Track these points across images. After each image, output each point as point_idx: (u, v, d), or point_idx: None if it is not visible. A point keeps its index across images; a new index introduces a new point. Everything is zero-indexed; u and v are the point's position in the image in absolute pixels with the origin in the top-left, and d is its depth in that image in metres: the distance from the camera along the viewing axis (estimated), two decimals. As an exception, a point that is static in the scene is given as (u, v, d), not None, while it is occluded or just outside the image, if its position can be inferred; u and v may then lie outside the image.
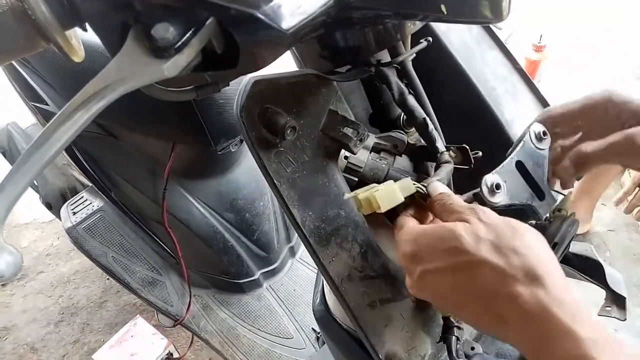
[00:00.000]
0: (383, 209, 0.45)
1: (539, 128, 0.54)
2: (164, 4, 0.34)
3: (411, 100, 0.54)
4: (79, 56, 0.39)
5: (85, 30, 0.38)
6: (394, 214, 0.61)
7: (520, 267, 0.36)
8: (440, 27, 0.63)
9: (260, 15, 0.34)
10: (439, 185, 0.48)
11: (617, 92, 0.51)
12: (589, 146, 0.51)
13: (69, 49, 0.37)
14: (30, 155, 0.33)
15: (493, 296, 0.37)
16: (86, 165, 1.32)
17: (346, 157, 0.56)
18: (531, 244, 0.38)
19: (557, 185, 0.57)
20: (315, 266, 0.51)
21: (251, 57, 0.37)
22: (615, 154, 0.49)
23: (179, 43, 0.34)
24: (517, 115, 0.67)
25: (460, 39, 0.65)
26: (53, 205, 1.76)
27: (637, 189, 1.32)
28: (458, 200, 0.44)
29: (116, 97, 0.34)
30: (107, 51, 0.38)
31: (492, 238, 0.38)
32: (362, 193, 0.46)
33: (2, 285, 2.14)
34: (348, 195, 0.48)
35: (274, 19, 0.34)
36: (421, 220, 0.48)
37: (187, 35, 0.34)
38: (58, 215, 1.70)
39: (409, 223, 0.45)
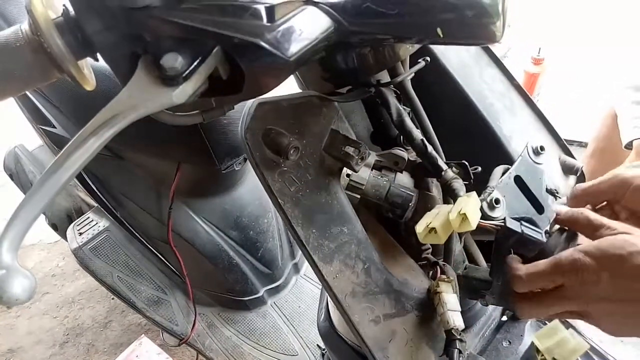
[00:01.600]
0: (473, 225, 0.46)
1: (536, 143, 0.55)
2: (173, 34, 0.36)
3: (409, 122, 0.56)
4: (90, 85, 0.41)
5: (96, 60, 0.40)
6: (395, 228, 0.63)
7: None
8: (438, 47, 0.65)
9: (263, 44, 0.35)
10: (563, 208, 0.51)
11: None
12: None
13: (81, 78, 0.39)
14: (45, 181, 0.34)
15: None
16: (92, 185, 1.34)
17: (348, 175, 0.57)
18: None
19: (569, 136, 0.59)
20: (320, 282, 0.52)
21: (256, 82, 0.39)
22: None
23: (187, 71, 0.35)
24: (516, 130, 0.69)
25: (457, 57, 0.67)
26: (59, 226, 1.77)
27: None
28: (602, 218, 0.46)
29: (127, 124, 0.35)
30: (118, 79, 0.40)
31: None
32: (436, 220, 0.48)
33: (8, 307, 2.14)
34: (421, 228, 0.49)
35: (277, 46, 0.36)
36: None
37: (195, 63, 0.36)
38: (64, 236, 1.71)
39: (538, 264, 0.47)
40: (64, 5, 0.38)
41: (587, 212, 0.48)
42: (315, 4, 0.40)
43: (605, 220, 0.45)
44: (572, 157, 0.71)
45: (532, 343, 0.59)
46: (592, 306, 0.44)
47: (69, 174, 0.34)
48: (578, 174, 0.67)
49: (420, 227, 0.48)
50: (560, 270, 0.44)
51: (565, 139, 0.72)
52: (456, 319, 0.55)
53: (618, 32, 3.11)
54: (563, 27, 3.30)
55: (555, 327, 0.53)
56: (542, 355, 0.53)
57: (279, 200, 0.50)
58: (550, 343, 0.52)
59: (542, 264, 0.46)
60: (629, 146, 1.30)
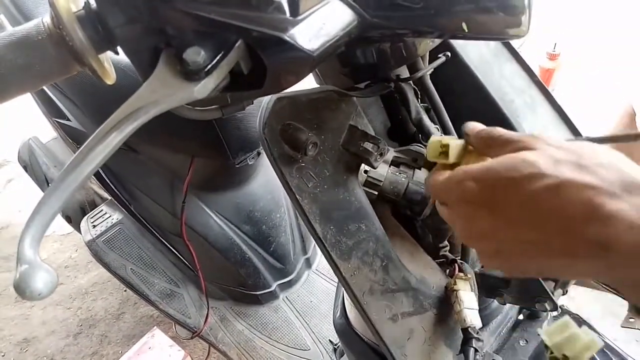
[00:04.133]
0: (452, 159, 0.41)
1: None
2: (195, 28, 0.35)
3: (427, 121, 0.55)
4: (111, 79, 0.40)
5: (117, 54, 0.39)
6: (412, 225, 0.62)
7: (617, 180, 0.30)
8: (457, 42, 0.64)
9: (287, 38, 0.35)
10: (476, 124, 0.41)
11: None
12: None
13: (102, 72, 0.38)
14: (67, 176, 0.34)
15: (587, 220, 0.30)
16: (106, 178, 1.35)
17: (366, 172, 0.57)
18: (619, 158, 0.32)
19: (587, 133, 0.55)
20: (332, 278, 0.52)
21: (277, 78, 0.38)
22: None
23: (209, 66, 0.35)
24: (536, 127, 0.67)
25: (477, 52, 0.66)
26: (72, 218, 1.79)
27: None
28: (511, 132, 0.37)
29: (149, 118, 0.35)
30: (138, 74, 0.40)
31: (572, 158, 0.32)
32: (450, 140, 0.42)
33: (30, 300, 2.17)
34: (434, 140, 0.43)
35: (300, 41, 0.35)
36: None
37: (217, 58, 0.35)
38: (77, 229, 1.72)
39: (449, 171, 0.38)
40: (85, -3, 0.37)
41: (498, 129, 0.38)
42: (339, -3, 0.39)
43: (516, 135, 0.36)
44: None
45: (542, 340, 0.57)
46: (473, 243, 0.37)
47: (90, 168, 0.34)
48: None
49: (433, 140, 0.43)
50: (444, 196, 0.38)
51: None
52: (473, 317, 0.55)
53: (636, 27, 3.06)
54: (579, 21, 3.24)
55: (566, 322, 0.49)
56: (552, 352, 0.51)
57: (297, 196, 0.49)
58: (560, 339, 0.49)
59: (440, 177, 0.38)
60: None
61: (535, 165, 0.32)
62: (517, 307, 0.76)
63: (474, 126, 0.40)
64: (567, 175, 0.31)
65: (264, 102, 0.48)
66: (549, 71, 2.57)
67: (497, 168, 0.34)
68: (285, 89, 0.41)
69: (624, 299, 0.72)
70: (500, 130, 0.38)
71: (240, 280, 1.47)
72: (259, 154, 1.20)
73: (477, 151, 0.40)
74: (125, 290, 2.13)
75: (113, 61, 0.43)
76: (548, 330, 0.49)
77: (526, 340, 0.72)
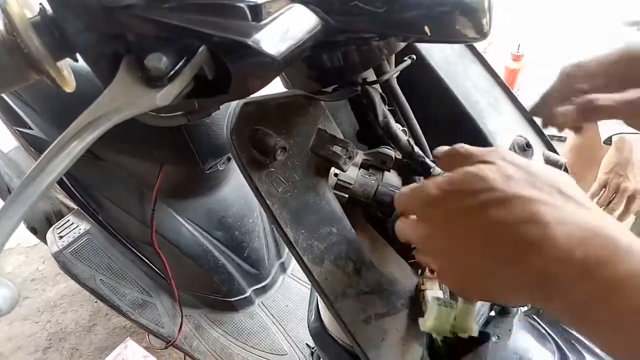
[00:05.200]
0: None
1: (522, 140, 0.56)
2: (156, 34, 0.35)
3: (394, 125, 0.56)
4: (70, 87, 0.39)
5: (76, 60, 0.38)
6: (383, 227, 0.62)
7: (561, 197, 0.32)
8: (423, 45, 0.65)
9: (250, 43, 0.35)
10: (441, 148, 0.43)
11: (637, 48, 0.48)
12: (601, 97, 0.47)
13: (61, 80, 0.37)
14: (26, 187, 0.33)
15: (527, 226, 0.32)
16: (72, 188, 1.31)
17: (336, 175, 0.57)
18: (569, 181, 0.35)
19: (549, 131, 0.56)
20: (307, 282, 0.52)
21: (243, 83, 0.38)
22: (627, 110, 0.46)
23: (172, 72, 0.34)
24: (500, 126, 0.69)
25: (442, 54, 0.67)
26: (38, 229, 1.73)
27: (603, 190, 1.34)
28: (472, 148, 0.39)
29: (110, 126, 0.34)
30: (99, 80, 0.39)
31: (523, 176, 0.34)
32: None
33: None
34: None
35: (264, 46, 0.35)
36: None
37: (180, 64, 0.35)
38: (43, 240, 1.67)
39: (423, 184, 0.39)
40: (40, 3, 0.36)
41: (462, 146, 0.40)
42: (302, 2, 0.39)
43: (478, 150, 0.38)
44: (556, 152, 0.71)
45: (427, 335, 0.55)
46: (431, 260, 0.39)
47: (51, 178, 0.33)
48: (562, 170, 0.68)
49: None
50: (409, 203, 0.40)
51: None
52: None
53: (598, 26, 3.17)
54: (542, 23, 3.34)
55: (432, 305, 0.47)
56: (435, 339, 0.49)
57: (267, 201, 0.49)
58: (435, 322, 0.46)
59: (408, 189, 0.41)
60: (608, 141, 1.32)
61: (487, 181, 0.34)
62: (488, 304, 0.78)
63: (442, 148, 0.43)
64: (514, 190, 0.33)
65: (231, 107, 0.48)
66: (514, 71, 2.64)
67: (455, 179, 0.36)
68: (252, 93, 0.41)
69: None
70: (464, 146, 0.40)
71: (214, 287, 1.45)
72: (229, 159, 1.19)
73: (444, 169, 0.42)
74: (96, 302, 2.07)
75: (74, 67, 0.41)
76: (421, 322, 0.48)
77: (498, 337, 0.74)
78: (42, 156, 0.33)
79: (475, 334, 0.44)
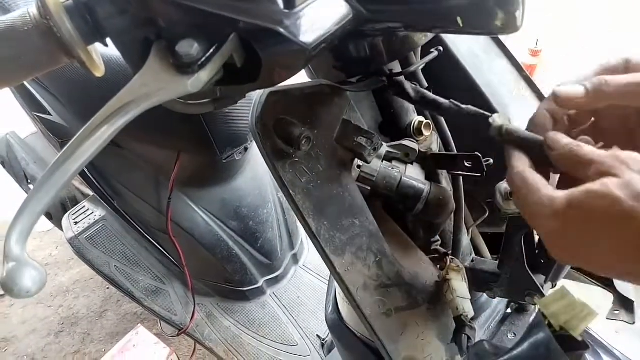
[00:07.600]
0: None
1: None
2: (188, 20, 0.34)
3: (430, 94, 0.54)
4: (100, 71, 0.39)
5: (106, 45, 0.38)
6: (404, 220, 0.62)
7: None
8: (449, 37, 0.64)
9: (282, 31, 0.34)
10: (559, 135, 0.39)
11: (636, 56, 0.46)
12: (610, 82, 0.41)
13: (91, 64, 0.37)
14: (55, 171, 0.33)
15: None
16: (88, 174, 1.32)
17: (359, 166, 0.56)
18: None
19: None
20: (319, 273, 0.52)
21: (272, 71, 0.38)
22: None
23: (203, 59, 0.34)
24: (526, 122, 0.68)
25: (468, 48, 0.66)
26: (53, 215, 1.76)
27: None
28: (589, 148, 0.36)
29: (140, 112, 0.34)
30: (129, 66, 0.38)
31: None
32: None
33: (1, 295, 2.13)
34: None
35: (296, 34, 0.34)
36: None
37: (211, 51, 0.34)
38: (58, 225, 1.69)
39: (541, 187, 0.37)
40: (73, -12, 0.36)
41: (583, 147, 0.37)
42: (335, -10, 0.38)
43: (600, 156, 0.35)
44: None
45: (539, 311, 0.57)
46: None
47: (79, 163, 0.33)
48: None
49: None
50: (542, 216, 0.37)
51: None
52: (465, 306, 0.55)
53: (617, 21, 3.11)
54: (561, 18, 3.29)
55: (562, 291, 0.47)
56: (549, 322, 0.49)
57: (291, 191, 0.49)
58: (557, 307, 0.47)
59: (535, 196, 0.37)
60: None
61: (618, 203, 0.31)
62: (505, 300, 0.77)
63: (558, 139, 0.39)
64: None
65: (257, 97, 0.47)
66: (531, 67, 2.61)
67: (574, 201, 0.34)
68: (281, 82, 0.40)
69: (609, 291, 0.73)
70: (585, 149, 0.36)
71: (227, 276, 1.46)
72: (246, 149, 1.19)
73: (560, 167, 0.39)
74: (108, 288, 2.10)
75: (101, 54, 0.41)
76: (544, 301, 0.48)
77: (514, 334, 0.73)
78: (72, 141, 0.33)
79: (579, 337, 0.45)
